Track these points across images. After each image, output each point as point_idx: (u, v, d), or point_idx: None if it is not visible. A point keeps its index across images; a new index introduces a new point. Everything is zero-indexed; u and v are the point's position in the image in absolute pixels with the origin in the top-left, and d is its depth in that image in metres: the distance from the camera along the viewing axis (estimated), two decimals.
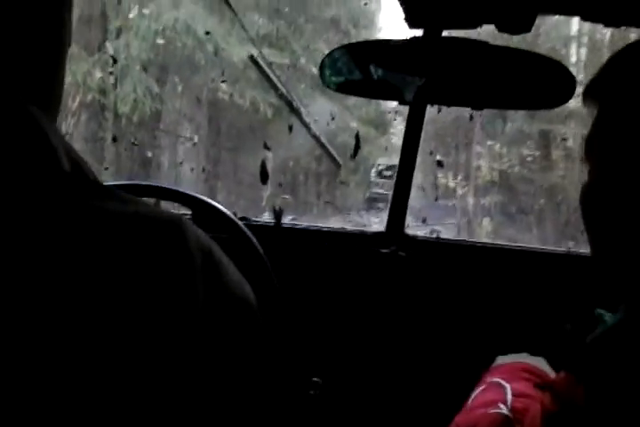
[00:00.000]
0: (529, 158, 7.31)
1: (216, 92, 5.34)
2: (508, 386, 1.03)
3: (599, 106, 0.63)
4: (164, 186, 1.49)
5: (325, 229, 1.82)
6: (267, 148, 1.82)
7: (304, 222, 1.80)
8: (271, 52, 5.01)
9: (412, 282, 1.68)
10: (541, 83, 1.31)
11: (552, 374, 1.13)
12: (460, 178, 7.94)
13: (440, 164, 4.11)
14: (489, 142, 7.53)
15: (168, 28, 4.80)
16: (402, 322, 1.68)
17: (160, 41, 4.86)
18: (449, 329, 1.66)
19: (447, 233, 5.51)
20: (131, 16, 4.96)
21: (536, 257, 1.71)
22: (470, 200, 7.70)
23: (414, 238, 1.75)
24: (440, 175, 7.13)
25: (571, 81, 1.30)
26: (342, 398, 1.65)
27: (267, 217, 1.91)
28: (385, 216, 1.73)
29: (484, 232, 7.20)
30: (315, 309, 1.72)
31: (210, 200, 1.40)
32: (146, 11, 4.96)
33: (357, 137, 1.76)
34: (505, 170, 7.72)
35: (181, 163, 5.50)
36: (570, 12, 1.35)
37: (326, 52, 1.40)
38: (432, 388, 1.64)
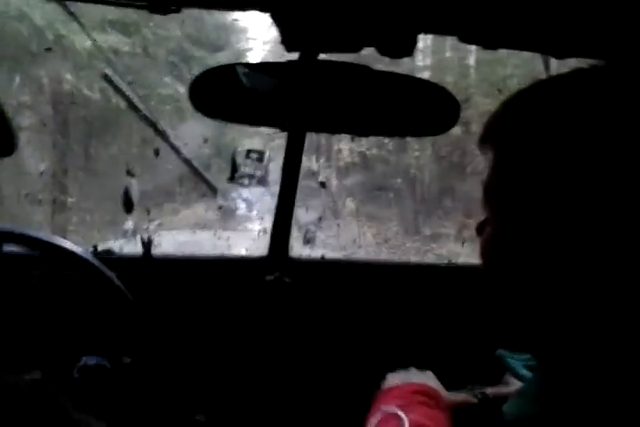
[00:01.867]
0: (385, 140, 7.66)
1: (60, 83, 4.88)
2: (405, 419, 1.00)
3: (495, 152, 0.59)
4: (7, 229, 1.31)
5: (202, 258, 1.70)
6: (130, 174, 1.64)
7: (175, 252, 1.67)
8: (120, 39, 4.65)
9: (298, 308, 1.63)
10: (425, 109, 1.27)
11: (442, 391, 1.13)
12: (322, 160, 8.14)
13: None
14: None
15: None
16: (288, 350, 1.63)
17: None
18: (339, 351, 1.63)
19: (313, 214, 5.63)
20: None
21: (420, 271, 1.72)
22: (333, 182, 7.97)
23: (298, 261, 1.69)
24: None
25: (455, 107, 1.27)
26: None
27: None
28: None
29: (348, 210, 7.52)
30: (196, 344, 1.61)
31: (58, 240, 1.33)
32: None
33: (234, 159, 1.64)
34: (364, 152, 8.04)
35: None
36: (449, 33, 1.31)
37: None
38: (324, 415, 1.61)
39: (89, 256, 1.33)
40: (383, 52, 1.26)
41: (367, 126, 1.30)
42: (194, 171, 1.56)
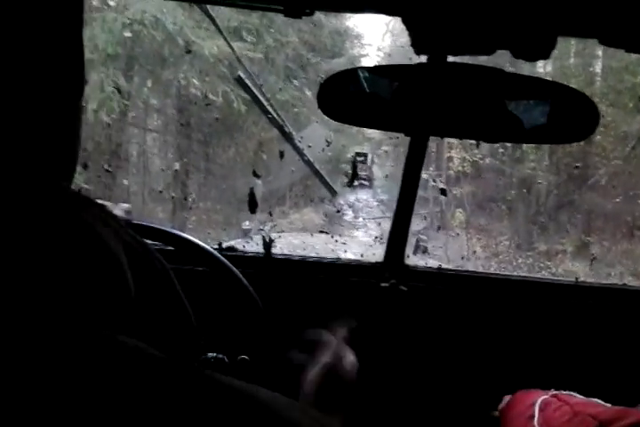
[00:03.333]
0: (500, 150, 7.37)
1: (187, 88, 5.13)
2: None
3: None
4: (146, 224, 1.38)
5: (319, 260, 1.71)
6: (256, 175, 1.69)
7: (292, 253, 1.69)
8: (243, 45, 4.83)
9: (413, 317, 1.60)
10: (562, 115, 1.20)
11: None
12: (432, 169, 7.97)
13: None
14: None
15: (136, 22, 4.56)
16: (407, 358, 1.60)
17: (127, 34, 4.62)
18: (455, 367, 1.58)
19: (419, 223, 5.50)
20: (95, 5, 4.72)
21: (540, 287, 1.64)
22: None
23: (414, 270, 1.66)
24: None
25: (594, 113, 1.19)
26: None
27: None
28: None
29: (457, 222, 7.27)
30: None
31: (188, 237, 1.35)
32: (112, 2, 4.71)
33: (354, 164, 1.64)
34: (477, 161, 7.78)
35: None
36: (590, 35, 1.24)
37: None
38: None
39: (219, 255, 1.35)
40: (518, 54, 1.21)
41: (497, 132, 1.25)
42: (315, 173, 1.57)
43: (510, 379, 1.42)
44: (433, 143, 7.12)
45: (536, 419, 1.08)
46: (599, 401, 1.11)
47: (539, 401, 1.10)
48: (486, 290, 1.62)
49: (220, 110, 5.09)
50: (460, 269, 1.80)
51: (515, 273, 4.97)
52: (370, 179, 6.31)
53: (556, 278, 1.69)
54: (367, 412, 1.56)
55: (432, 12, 1.18)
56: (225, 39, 1.82)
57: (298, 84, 5.69)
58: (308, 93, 5.34)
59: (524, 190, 7.45)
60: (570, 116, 1.18)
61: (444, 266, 1.71)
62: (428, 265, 1.72)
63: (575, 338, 1.54)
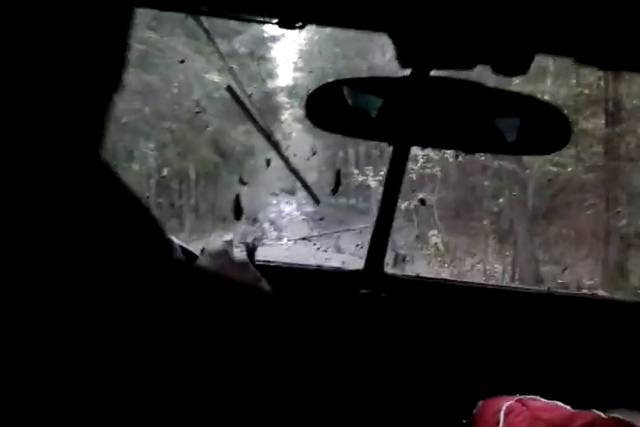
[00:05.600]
0: None
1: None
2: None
3: None
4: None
5: (300, 267, 1.74)
6: (242, 182, 1.72)
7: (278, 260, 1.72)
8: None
9: (392, 323, 1.63)
10: (535, 128, 1.26)
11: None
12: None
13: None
14: None
15: None
16: (382, 364, 1.62)
17: None
18: (432, 373, 1.61)
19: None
20: None
21: (518, 297, 1.68)
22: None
23: (394, 277, 1.69)
24: None
25: (566, 127, 1.25)
26: None
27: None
28: None
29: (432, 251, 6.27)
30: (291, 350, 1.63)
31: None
32: None
33: (338, 173, 1.68)
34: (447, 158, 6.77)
35: None
36: (566, 54, 1.30)
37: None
38: None
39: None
40: (497, 69, 1.27)
41: (474, 143, 1.31)
42: (300, 181, 1.61)
43: (485, 385, 1.45)
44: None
45: (501, 425, 1.12)
46: (559, 404, 1.15)
47: (503, 407, 1.14)
48: (462, 298, 1.66)
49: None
50: (437, 277, 1.84)
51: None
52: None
53: (529, 287, 1.74)
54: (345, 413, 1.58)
55: (417, 28, 1.24)
56: (218, 51, 1.86)
57: None
58: None
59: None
60: (543, 128, 1.24)
61: (422, 274, 1.75)
62: (407, 273, 1.76)
63: (547, 344, 1.59)
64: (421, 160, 5.21)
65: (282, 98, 5.85)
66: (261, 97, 5.03)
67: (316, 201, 1.70)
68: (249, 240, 1.66)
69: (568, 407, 1.13)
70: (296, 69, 6.93)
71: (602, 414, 1.07)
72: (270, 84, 5.75)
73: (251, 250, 1.69)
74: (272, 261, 1.78)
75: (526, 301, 1.65)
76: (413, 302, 1.64)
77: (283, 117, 5.21)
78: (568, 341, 1.56)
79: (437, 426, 1.53)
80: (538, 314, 1.61)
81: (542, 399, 1.18)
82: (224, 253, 0.87)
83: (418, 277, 1.77)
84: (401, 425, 1.59)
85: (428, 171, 5.47)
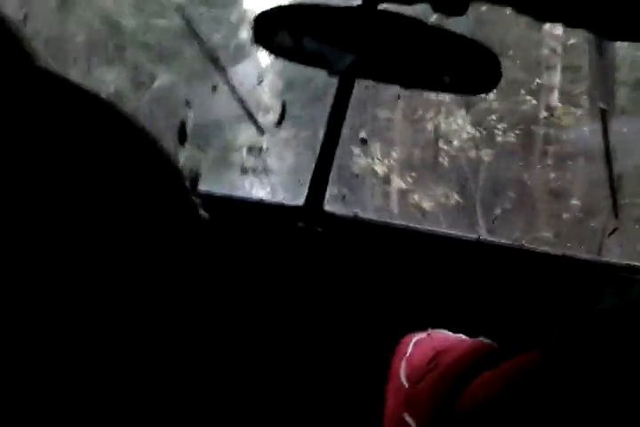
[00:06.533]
0: None
1: None
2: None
3: None
4: None
5: (241, 199, 1.77)
6: (188, 106, 1.74)
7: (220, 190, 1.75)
8: None
9: (327, 258, 1.67)
10: (468, 67, 1.31)
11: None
12: None
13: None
14: None
15: None
16: (311, 298, 1.67)
17: None
18: (356, 309, 1.66)
19: None
20: None
21: (446, 242, 1.73)
22: None
23: (332, 215, 1.72)
24: None
25: (497, 68, 1.31)
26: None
27: None
28: None
29: None
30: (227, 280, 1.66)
31: None
32: None
33: (284, 105, 1.71)
34: None
35: None
36: (502, 2, 1.35)
37: None
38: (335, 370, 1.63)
39: None
40: (436, 8, 1.32)
41: (414, 79, 1.36)
42: (246, 111, 1.64)
43: (411, 324, 1.48)
44: None
45: (406, 356, 1.18)
46: (462, 336, 1.22)
47: (414, 339, 1.20)
48: (395, 239, 1.71)
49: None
50: (374, 219, 1.88)
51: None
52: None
53: (462, 234, 1.80)
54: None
55: None
56: None
57: None
58: None
59: None
60: (476, 69, 1.29)
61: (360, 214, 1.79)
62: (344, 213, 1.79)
63: (469, 287, 1.65)
64: None
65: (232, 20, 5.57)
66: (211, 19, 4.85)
67: (261, 132, 1.73)
68: (192, 167, 1.69)
69: (465, 338, 1.19)
70: None
71: (485, 341, 1.15)
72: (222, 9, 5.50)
73: (194, 178, 1.72)
74: (214, 192, 1.80)
75: (456, 246, 1.71)
76: (348, 240, 1.68)
77: (232, 43, 5.01)
78: (489, 285, 1.62)
79: (365, 361, 1.57)
80: (465, 260, 1.67)
81: (448, 332, 1.23)
82: None
83: (356, 216, 1.81)
84: (330, 358, 1.66)
85: None
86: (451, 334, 1.23)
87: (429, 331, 1.25)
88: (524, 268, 1.68)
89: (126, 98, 4.60)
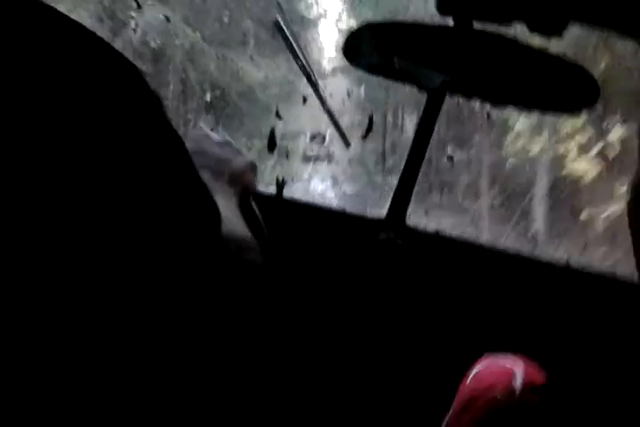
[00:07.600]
0: None
1: None
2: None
3: None
4: None
5: (325, 208, 1.79)
6: (278, 116, 1.80)
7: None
8: None
9: (407, 272, 1.65)
10: (564, 88, 1.29)
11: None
12: None
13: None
14: None
15: None
16: (390, 312, 1.65)
17: None
18: (436, 325, 1.63)
19: None
20: None
21: (535, 266, 1.67)
22: None
23: (414, 229, 1.71)
24: None
25: (595, 89, 1.28)
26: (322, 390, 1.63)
27: None
28: None
29: None
30: (302, 288, 1.67)
31: None
32: None
33: (371, 119, 1.74)
34: None
35: None
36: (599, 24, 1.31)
37: None
38: (419, 383, 1.61)
39: None
40: (533, 28, 1.30)
41: (505, 97, 1.35)
42: (334, 123, 1.67)
43: (485, 343, 1.43)
44: None
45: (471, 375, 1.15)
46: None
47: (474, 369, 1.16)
48: (478, 258, 1.66)
49: None
50: (455, 236, 1.84)
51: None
52: None
53: (548, 259, 1.71)
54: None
55: None
56: None
57: None
58: None
59: None
60: (571, 88, 1.27)
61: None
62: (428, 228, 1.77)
63: (551, 313, 1.58)
64: None
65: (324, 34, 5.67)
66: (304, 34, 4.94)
67: (347, 144, 1.76)
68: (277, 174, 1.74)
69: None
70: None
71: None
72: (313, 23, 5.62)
73: (280, 185, 1.78)
74: (298, 199, 1.83)
75: (542, 271, 1.63)
76: (428, 256, 1.66)
77: (323, 56, 5.10)
78: (577, 314, 1.54)
79: (440, 375, 1.54)
80: (549, 286, 1.59)
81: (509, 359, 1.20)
82: (206, 136, 0.89)
83: (437, 232, 1.78)
84: (403, 372, 1.64)
85: None
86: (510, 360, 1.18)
87: (486, 358, 1.20)
88: (619, 297, 1.59)
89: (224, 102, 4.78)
